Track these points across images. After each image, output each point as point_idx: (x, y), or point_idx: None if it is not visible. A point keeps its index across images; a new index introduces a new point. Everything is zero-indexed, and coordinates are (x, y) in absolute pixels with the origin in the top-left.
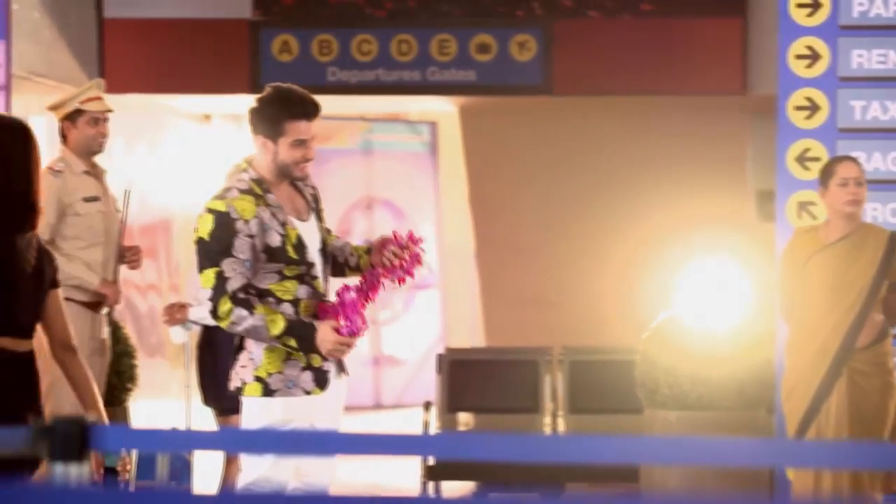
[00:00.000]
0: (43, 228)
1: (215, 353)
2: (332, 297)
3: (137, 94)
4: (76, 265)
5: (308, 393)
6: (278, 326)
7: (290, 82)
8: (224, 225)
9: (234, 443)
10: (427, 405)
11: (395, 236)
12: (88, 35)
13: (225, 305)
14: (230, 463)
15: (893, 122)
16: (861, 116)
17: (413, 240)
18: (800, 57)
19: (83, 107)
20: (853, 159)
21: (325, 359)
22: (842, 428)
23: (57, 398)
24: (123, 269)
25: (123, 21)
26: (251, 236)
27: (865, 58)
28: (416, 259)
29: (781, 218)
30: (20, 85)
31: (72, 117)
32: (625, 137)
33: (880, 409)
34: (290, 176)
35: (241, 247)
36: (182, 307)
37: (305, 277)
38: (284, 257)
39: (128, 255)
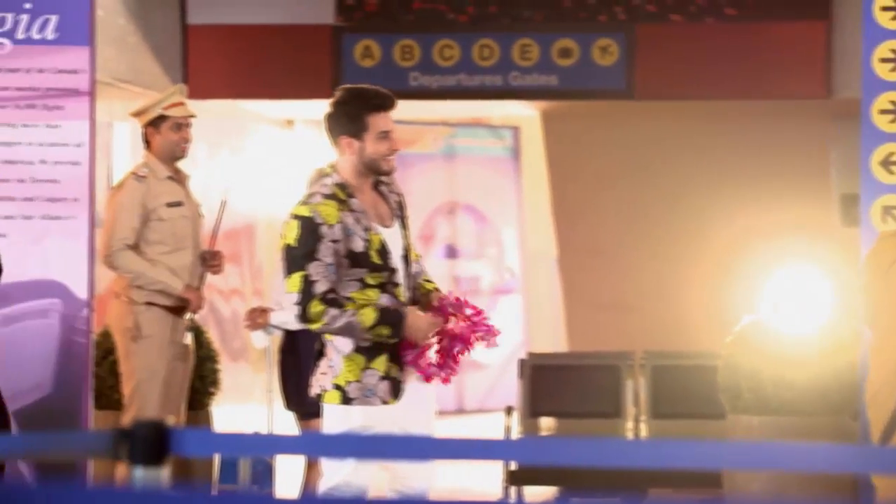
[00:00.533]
0: (128, 233)
1: (297, 358)
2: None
3: (220, 99)
4: (160, 270)
5: (385, 402)
6: (370, 318)
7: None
8: (309, 230)
9: (316, 447)
10: (509, 410)
11: (445, 303)
12: (172, 41)
13: (316, 307)
14: (311, 467)
15: None
16: None
17: (468, 307)
18: (884, 60)
19: (166, 112)
20: None
21: (401, 369)
22: None
23: (142, 401)
24: (207, 275)
25: (207, 27)
26: (335, 241)
27: None
28: (484, 329)
29: (866, 222)
30: (104, 91)
31: (155, 123)
32: (706, 142)
33: None
34: (380, 171)
35: (326, 251)
36: (264, 312)
37: (387, 286)
38: (367, 263)
39: (210, 261)
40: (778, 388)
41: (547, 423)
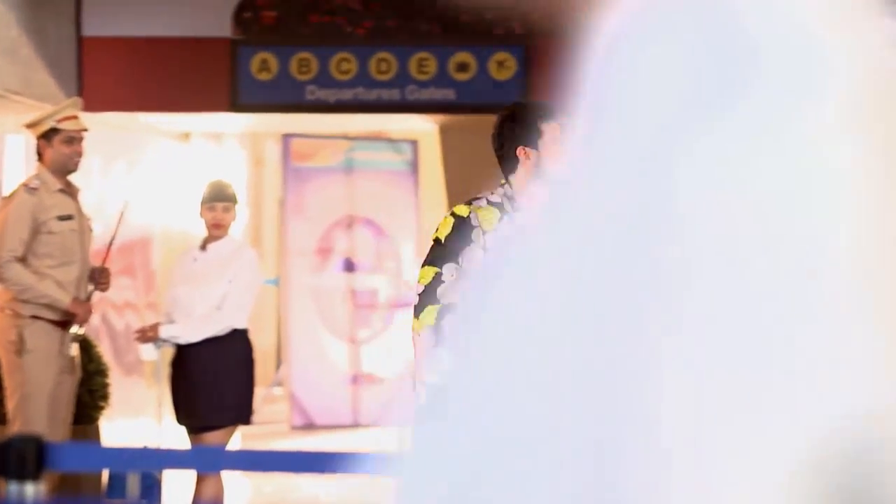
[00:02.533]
0: (17, 245)
1: (187, 372)
2: None
3: (117, 112)
4: (48, 283)
5: None
6: None
7: (268, 101)
8: (461, 230)
9: (203, 461)
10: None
11: None
12: (67, 53)
13: (428, 317)
14: (201, 481)
15: None
16: None
17: None
18: None
19: (59, 125)
20: None
21: None
22: None
23: (27, 415)
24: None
25: (103, 39)
26: (484, 249)
27: None
28: None
29: None
30: None
31: (47, 136)
32: None
33: None
34: None
35: (469, 257)
36: (154, 326)
37: None
38: None
39: (98, 278)
40: None
41: None
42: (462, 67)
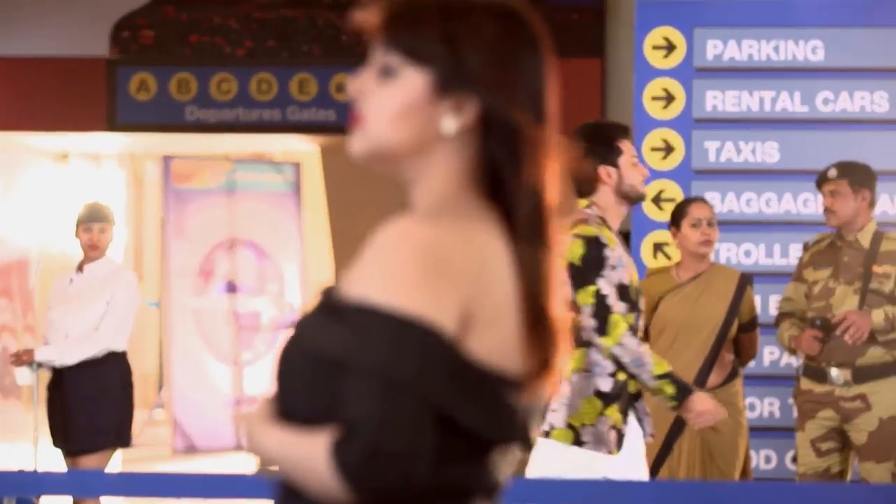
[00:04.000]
0: None
1: (64, 395)
2: None
3: None
4: None
5: (609, 452)
6: (662, 367)
7: (148, 121)
8: (593, 249)
9: (81, 485)
10: None
11: None
12: None
13: (618, 320)
14: None
15: (747, 164)
16: (715, 158)
17: None
18: (655, 98)
19: None
20: (704, 200)
21: (625, 421)
22: (693, 468)
23: None
24: None
25: None
26: (613, 268)
27: (720, 100)
28: None
29: (637, 258)
30: None
31: None
32: None
33: (731, 448)
34: (639, 198)
35: (608, 274)
36: (28, 350)
37: (633, 330)
38: (629, 298)
39: None
40: None
41: None
42: (343, 88)
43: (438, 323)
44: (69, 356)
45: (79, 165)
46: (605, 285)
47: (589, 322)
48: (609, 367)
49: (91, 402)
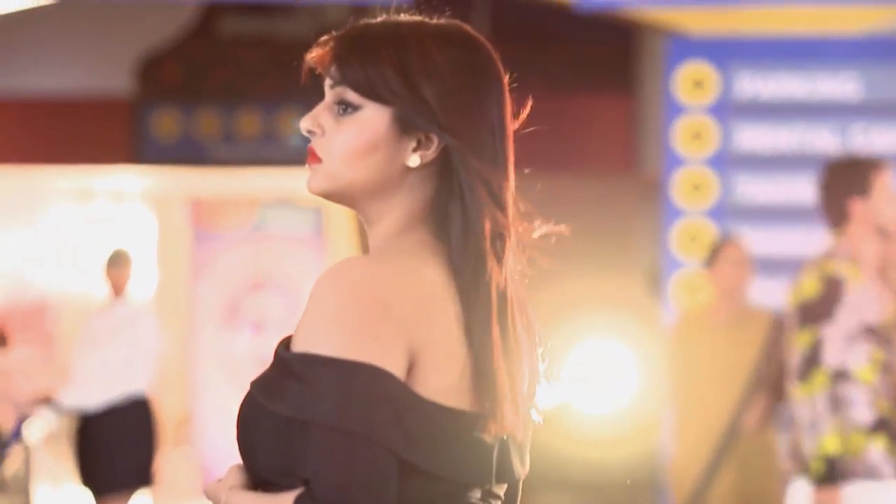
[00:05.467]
0: None
1: (88, 438)
2: None
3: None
4: None
5: None
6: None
7: (172, 158)
8: (828, 287)
9: None
10: None
11: None
12: None
13: (819, 377)
14: None
15: (781, 204)
16: (750, 197)
17: None
18: (686, 136)
19: None
20: (738, 240)
21: None
22: None
23: None
24: None
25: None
26: (855, 307)
27: (754, 137)
28: None
29: (666, 297)
30: None
31: None
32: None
33: (767, 493)
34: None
35: (844, 316)
36: (51, 391)
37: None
38: (877, 338)
39: None
40: (581, 468)
41: None
42: None
43: (384, 365)
44: (91, 398)
45: (103, 206)
46: (833, 333)
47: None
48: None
49: (113, 445)
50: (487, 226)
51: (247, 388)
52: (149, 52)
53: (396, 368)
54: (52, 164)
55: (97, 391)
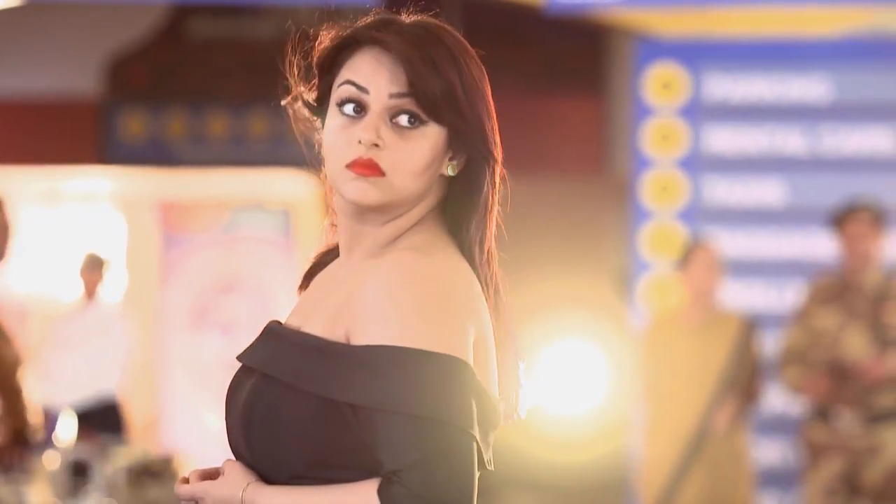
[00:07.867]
0: None
1: None
2: None
3: None
4: None
5: None
6: None
7: (140, 160)
8: None
9: None
10: None
11: None
12: None
13: None
14: None
15: (751, 206)
16: (720, 199)
17: None
18: (656, 138)
19: None
20: (710, 243)
21: None
22: None
23: None
24: None
25: None
26: None
27: (724, 139)
28: None
29: (635, 299)
30: None
31: None
32: None
33: (737, 495)
34: None
35: None
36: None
37: None
38: None
39: None
40: (551, 469)
41: None
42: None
43: (465, 356)
44: (61, 400)
45: (71, 208)
46: None
47: None
48: None
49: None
50: (493, 229)
51: (243, 380)
52: (117, 54)
53: (470, 360)
54: (19, 165)
55: (68, 393)
